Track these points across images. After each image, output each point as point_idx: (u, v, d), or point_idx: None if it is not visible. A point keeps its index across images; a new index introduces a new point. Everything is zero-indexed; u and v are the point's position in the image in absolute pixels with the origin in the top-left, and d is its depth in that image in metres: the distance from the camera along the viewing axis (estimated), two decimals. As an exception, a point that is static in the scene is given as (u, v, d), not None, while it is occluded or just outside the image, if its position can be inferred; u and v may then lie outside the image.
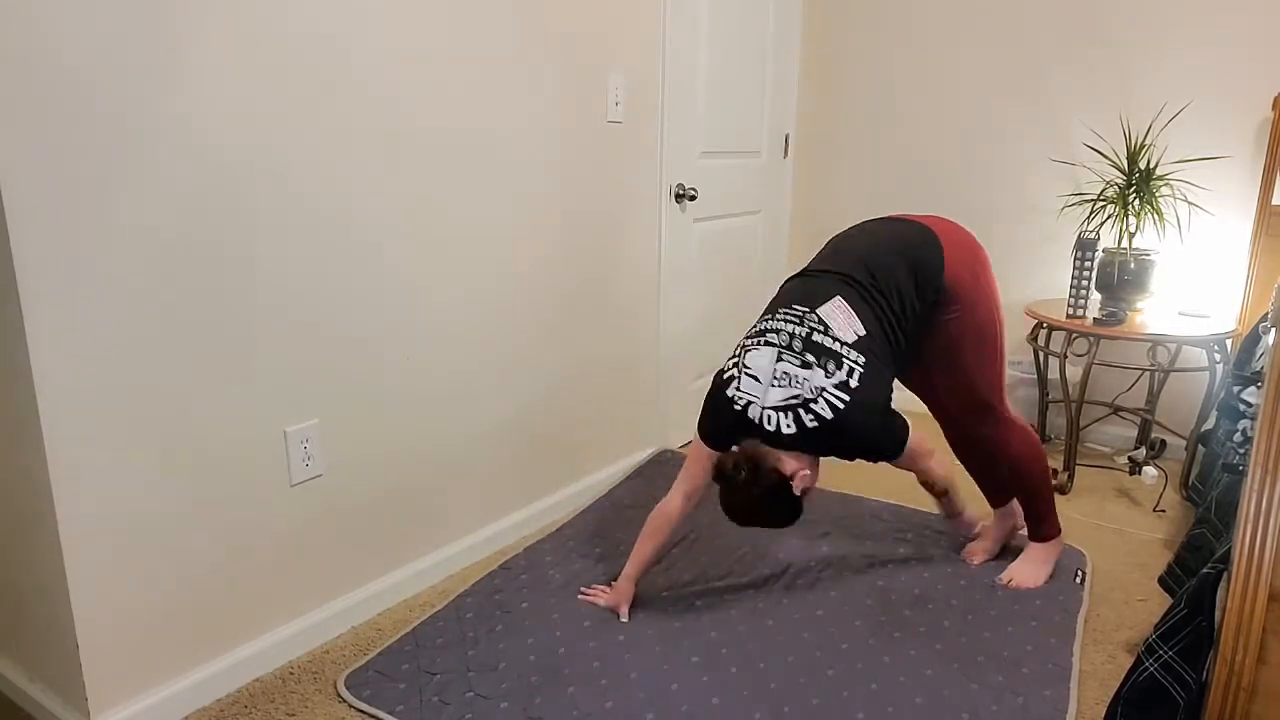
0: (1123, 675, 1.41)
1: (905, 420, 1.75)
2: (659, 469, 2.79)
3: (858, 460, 1.77)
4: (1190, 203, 2.83)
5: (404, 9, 1.79)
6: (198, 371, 1.55)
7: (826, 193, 3.58)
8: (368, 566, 1.95)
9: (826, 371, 1.66)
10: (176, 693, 1.60)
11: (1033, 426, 3.07)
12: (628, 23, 2.44)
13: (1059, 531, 2.11)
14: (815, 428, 1.65)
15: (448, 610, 1.96)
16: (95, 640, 1.48)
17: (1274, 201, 2.69)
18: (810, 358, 1.66)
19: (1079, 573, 2.15)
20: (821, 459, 1.76)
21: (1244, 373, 2.24)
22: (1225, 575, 1.26)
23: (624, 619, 1.90)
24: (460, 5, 1.92)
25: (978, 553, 2.20)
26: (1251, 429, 1.99)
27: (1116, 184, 2.77)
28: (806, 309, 1.73)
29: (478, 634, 1.86)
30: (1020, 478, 2.05)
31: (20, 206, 1.28)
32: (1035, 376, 3.04)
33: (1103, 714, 1.50)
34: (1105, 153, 2.92)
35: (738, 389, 1.71)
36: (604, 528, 2.36)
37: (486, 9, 1.98)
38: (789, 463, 1.69)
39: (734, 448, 1.73)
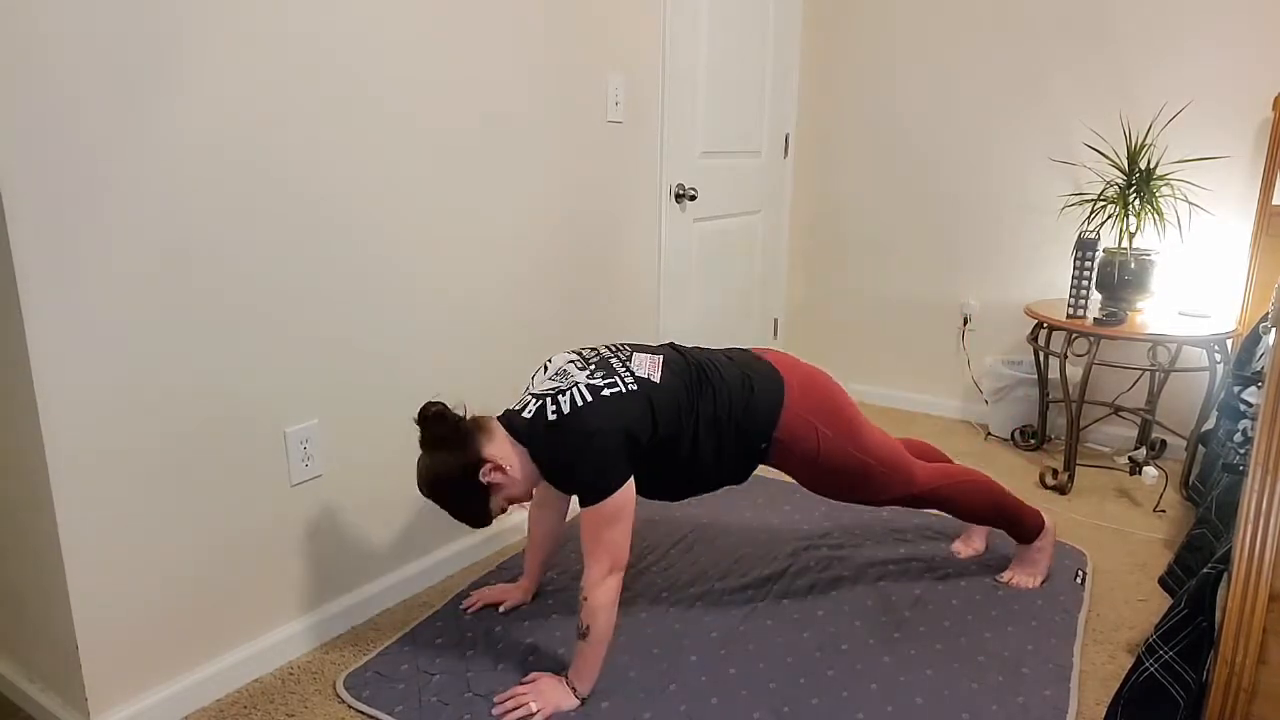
0: (1123, 675, 1.41)
1: (626, 487, 1.56)
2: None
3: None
4: (1190, 203, 2.83)
5: (404, 9, 1.79)
6: (197, 371, 1.55)
7: (826, 193, 3.58)
8: (368, 566, 1.95)
9: (590, 374, 1.63)
10: (176, 693, 1.60)
11: (1028, 430, 3.08)
12: (628, 23, 2.44)
13: (1041, 526, 2.08)
14: (551, 421, 1.57)
15: (446, 610, 1.96)
16: (95, 640, 1.47)
17: (1274, 201, 2.69)
18: (593, 367, 1.66)
19: (1079, 573, 2.15)
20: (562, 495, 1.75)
21: (1244, 373, 2.24)
22: (1225, 575, 1.26)
23: (502, 610, 1.93)
24: (460, 5, 1.92)
25: (963, 550, 2.23)
26: (1252, 429, 1.99)
27: (1117, 184, 2.77)
28: (630, 349, 1.74)
29: (476, 634, 1.86)
30: (970, 513, 2.00)
31: (20, 207, 1.28)
32: (1035, 376, 3.04)
33: (1103, 714, 1.50)
34: (1105, 153, 2.92)
35: (530, 380, 1.71)
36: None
37: (486, 9, 1.98)
38: (494, 449, 1.58)
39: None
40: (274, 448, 1.70)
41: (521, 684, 1.65)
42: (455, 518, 1.65)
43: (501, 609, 1.94)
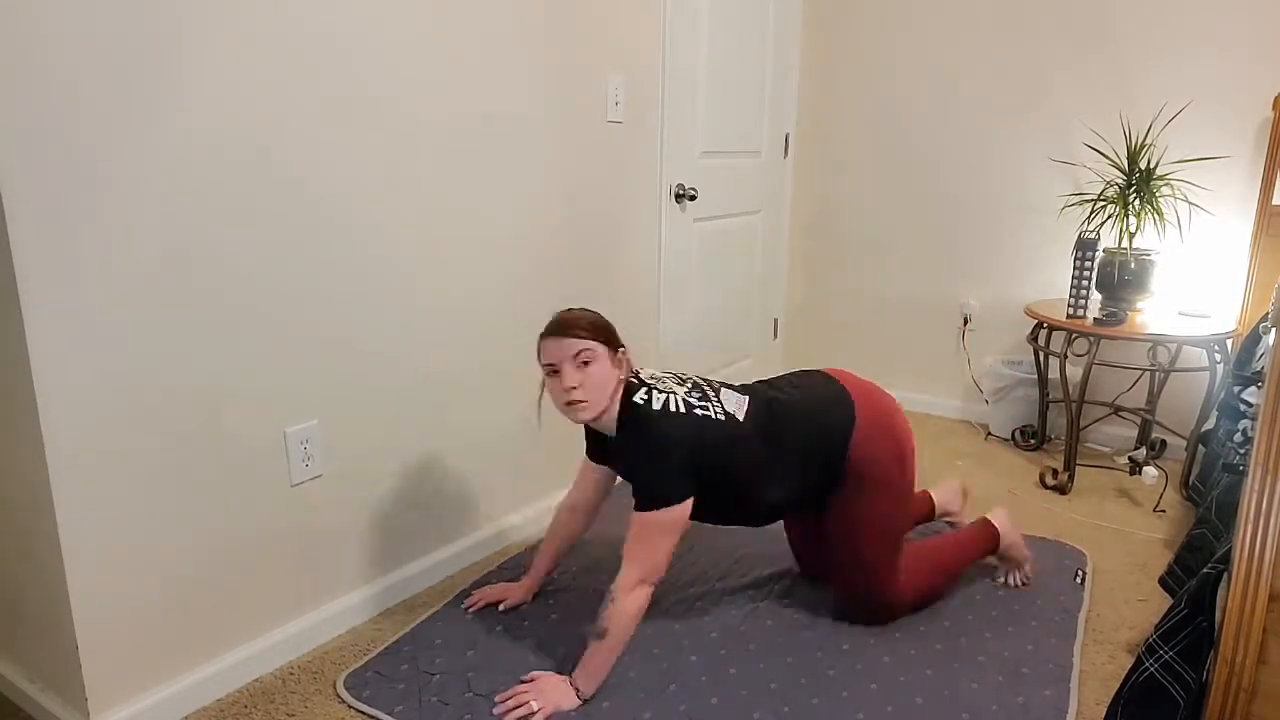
0: (1123, 675, 1.41)
1: (684, 504, 1.60)
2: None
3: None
4: (1190, 203, 2.83)
5: (403, 10, 1.79)
6: (198, 372, 1.55)
7: (826, 193, 3.58)
8: (368, 566, 1.95)
9: (690, 393, 1.69)
10: (176, 693, 1.60)
11: (1028, 430, 3.08)
12: (628, 23, 2.44)
13: (997, 539, 2.03)
14: (645, 407, 1.62)
15: (446, 610, 1.96)
16: (95, 640, 1.47)
17: (1274, 201, 2.69)
18: (690, 388, 1.72)
19: (1079, 573, 2.15)
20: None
21: (1244, 373, 2.24)
22: (1225, 575, 1.26)
23: (502, 609, 1.93)
24: (460, 6, 1.92)
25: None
26: (1252, 429, 1.99)
27: (1117, 184, 2.77)
28: (719, 384, 1.79)
29: (476, 634, 1.86)
30: (953, 581, 2.02)
31: (20, 207, 1.28)
32: (1035, 376, 3.04)
33: (1103, 714, 1.50)
34: (1105, 153, 2.92)
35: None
36: (603, 529, 2.36)
37: (486, 9, 1.98)
38: (616, 369, 1.64)
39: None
40: (274, 448, 1.70)
41: (522, 682, 1.66)
42: (587, 336, 1.63)
43: (501, 607, 1.94)
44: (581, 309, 1.69)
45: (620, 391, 1.66)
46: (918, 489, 2.15)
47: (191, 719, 1.62)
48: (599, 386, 1.62)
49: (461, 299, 2.06)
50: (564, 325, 1.63)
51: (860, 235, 3.54)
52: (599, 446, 1.87)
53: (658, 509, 1.59)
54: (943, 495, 2.26)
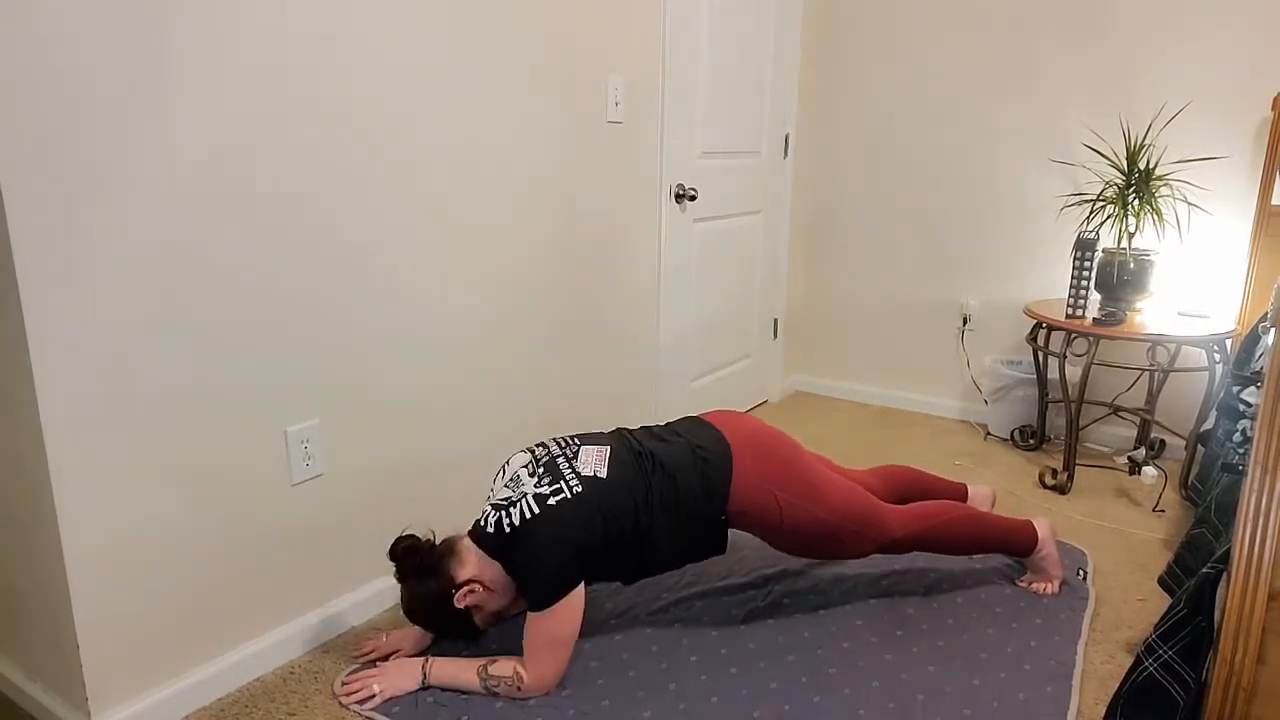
0: (1122, 675, 1.41)
1: (572, 596, 1.60)
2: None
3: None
4: (1190, 203, 2.84)
5: (403, 11, 1.79)
6: (198, 372, 1.55)
7: (826, 193, 3.58)
8: (368, 566, 1.95)
9: (539, 481, 1.67)
10: (176, 693, 1.60)
11: (1027, 430, 3.08)
12: (628, 23, 2.44)
13: (1034, 540, 2.03)
14: (508, 533, 1.63)
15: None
16: (95, 640, 1.48)
17: (1274, 201, 2.69)
18: (541, 470, 1.69)
19: (1081, 571, 2.15)
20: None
21: (1244, 373, 2.24)
22: (1225, 575, 1.26)
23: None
24: (460, 6, 1.92)
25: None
26: (1251, 429, 1.99)
27: (1116, 184, 2.77)
28: (578, 442, 1.76)
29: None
30: (956, 549, 1.96)
31: (21, 208, 1.28)
32: (1035, 376, 3.04)
33: (1102, 714, 1.50)
34: (1105, 153, 2.92)
35: (491, 485, 1.76)
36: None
37: (486, 9, 1.98)
38: (467, 570, 1.66)
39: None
40: (274, 448, 1.70)
41: (371, 668, 1.71)
42: (444, 638, 1.78)
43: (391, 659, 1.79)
44: (404, 597, 1.70)
45: (490, 568, 1.68)
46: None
47: (191, 719, 1.62)
48: (492, 596, 1.69)
49: (462, 299, 2.06)
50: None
51: (860, 235, 3.54)
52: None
53: (546, 607, 1.59)
54: (975, 493, 2.24)
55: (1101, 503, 2.64)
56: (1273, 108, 2.68)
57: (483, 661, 1.65)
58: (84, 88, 1.32)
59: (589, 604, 1.95)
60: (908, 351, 3.53)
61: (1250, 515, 1.16)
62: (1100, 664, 1.81)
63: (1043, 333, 2.89)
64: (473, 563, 1.68)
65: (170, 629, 1.59)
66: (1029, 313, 2.86)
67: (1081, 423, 3.05)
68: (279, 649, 1.77)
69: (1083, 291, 2.67)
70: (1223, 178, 2.81)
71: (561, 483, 1.66)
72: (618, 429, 1.85)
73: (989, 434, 3.24)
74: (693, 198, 2.84)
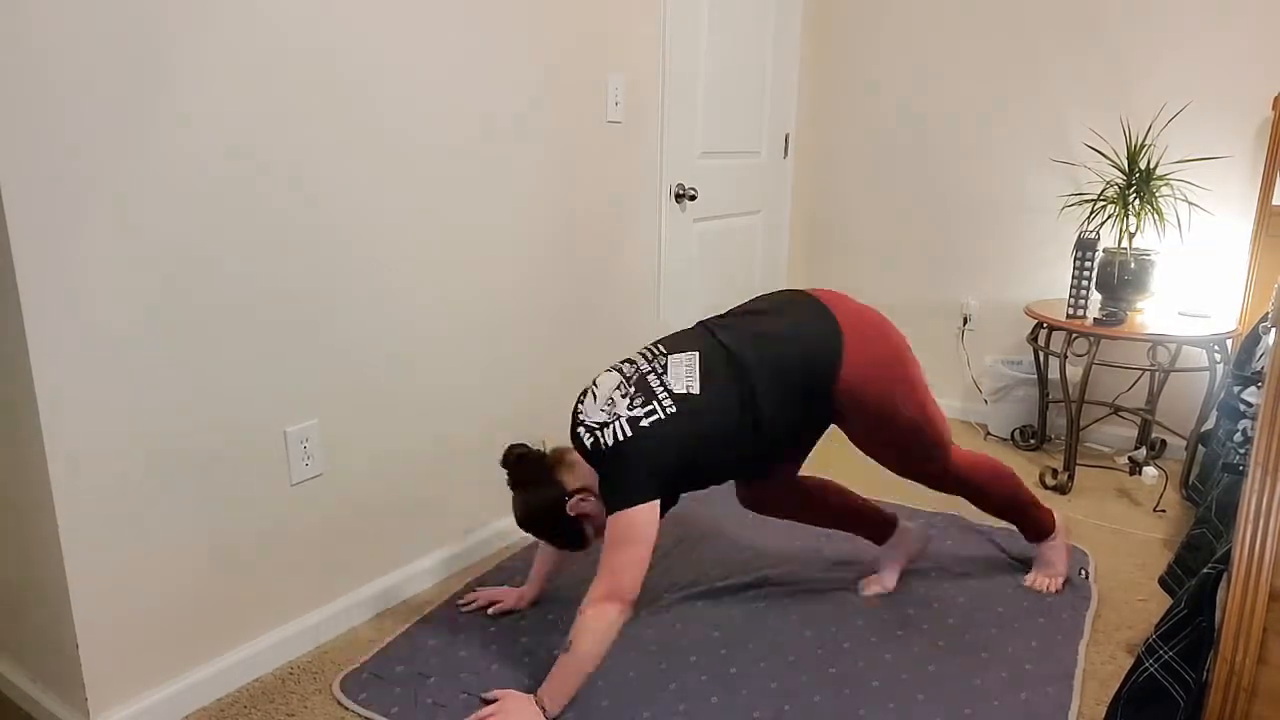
0: (1123, 675, 1.41)
1: (648, 508, 1.57)
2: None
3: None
4: (1190, 203, 2.83)
5: (403, 11, 1.79)
6: (197, 371, 1.55)
7: (826, 193, 3.58)
8: (368, 566, 1.95)
9: (632, 404, 1.63)
10: (176, 693, 1.60)
11: (1028, 430, 3.08)
12: (628, 23, 2.44)
13: (1053, 528, 2.08)
14: (603, 451, 1.62)
15: (442, 612, 1.95)
16: (95, 640, 1.47)
17: (1274, 201, 2.68)
18: (633, 390, 1.66)
19: (1083, 570, 2.15)
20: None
21: (1244, 373, 2.24)
22: (1225, 575, 1.26)
23: (491, 612, 1.94)
24: (460, 6, 1.92)
25: (871, 588, 2.05)
26: (1251, 429, 1.99)
27: (1116, 184, 2.77)
28: (665, 352, 1.72)
29: (471, 636, 1.85)
30: (988, 500, 1.99)
31: (20, 208, 1.28)
32: (1035, 376, 3.04)
33: (1103, 714, 1.50)
34: (1105, 153, 2.92)
35: (580, 403, 1.72)
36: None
37: (486, 9, 1.98)
38: (577, 480, 1.66)
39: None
40: (274, 448, 1.70)
41: (487, 702, 1.62)
42: (556, 546, 1.76)
43: (491, 610, 1.93)
44: (516, 506, 1.71)
45: (589, 486, 1.67)
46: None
47: (191, 719, 1.62)
48: (601, 508, 1.65)
49: (462, 299, 2.06)
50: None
51: (860, 235, 3.54)
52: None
53: (619, 510, 1.57)
54: (905, 528, 2.11)
55: (1102, 503, 2.64)
56: (1273, 108, 2.67)
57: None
58: (84, 88, 1.32)
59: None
60: (908, 351, 3.53)
61: (1251, 515, 1.16)
62: (1101, 664, 1.81)
63: (1043, 332, 2.89)
64: (583, 473, 1.67)
65: (170, 629, 1.58)
66: (1029, 313, 2.86)
67: (1082, 423, 3.05)
68: (279, 649, 1.77)
69: (1083, 291, 2.67)
70: (1223, 178, 2.81)
71: (655, 403, 1.63)
72: (701, 323, 1.80)
73: (989, 434, 3.24)
74: (693, 197, 2.83)
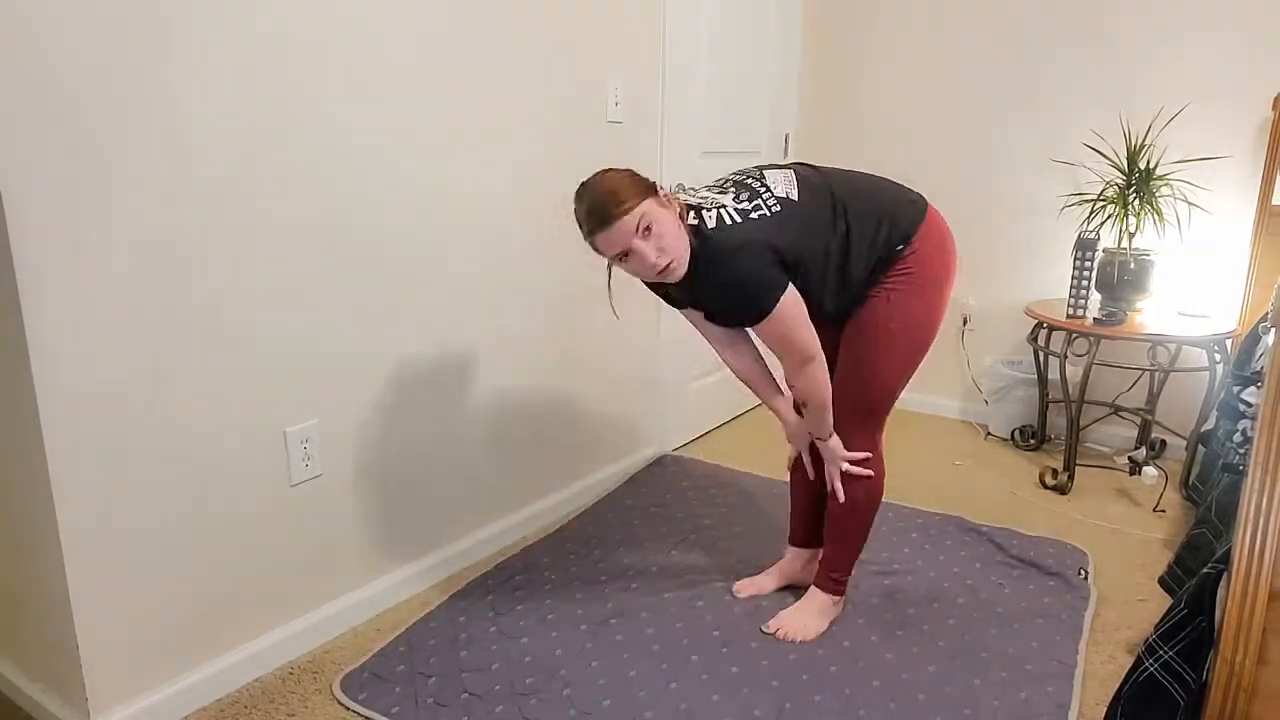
0: (1123, 675, 1.41)
1: (787, 294, 1.58)
2: (659, 472, 2.79)
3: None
4: (1190, 203, 2.83)
5: (404, 11, 1.79)
6: (198, 372, 1.55)
7: (826, 193, 3.57)
8: (368, 566, 1.95)
9: (736, 198, 1.62)
10: (176, 693, 1.60)
11: (1028, 430, 3.08)
12: (627, 23, 2.44)
13: (843, 591, 1.91)
14: (705, 231, 1.58)
15: (440, 611, 1.95)
16: (95, 640, 1.47)
17: (1274, 201, 2.69)
18: (734, 190, 1.65)
19: (1082, 570, 2.15)
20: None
21: (1244, 373, 2.24)
22: (1225, 575, 1.26)
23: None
24: (459, 6, 1.92)
25: (748, 587, 2.02)
26: (1251, 429, 1.99)
27: (1116, 184, 2.77)
28: (760, 171, 1.71)
29: (471, 635, 1.85)
30: (850, 514, 1.82)
31: (20, 208, 1.28)
32: (1035, 376, 3.04)
33: (1103, 714, 1.50)
34: (1105, 153, 2.92)
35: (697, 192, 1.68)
36: (602, 530, 2.36)
37: (487, 9, 1.98)
38: (670, 211, 1.57)
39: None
40: (274, 448, 1.70)
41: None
42: (633, 203, 1.53)
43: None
44: (600, 175, 1.58)
45: (685, 228, 1.59)
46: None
47: (191, 719, 1.62)
48: (674, 240, 1.55)
49: (462, 299, 2.06)
50: (605, 210, 1.52)
51: (860, 235, 3.53)
52: (669, 297, 1.80)
53: (767, 317, 1.59)
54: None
55: (1102, 503, 2.64)
56: (1273, 108, 2.68)
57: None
58: (84, 88, 1.32)
59: (589, 597, 1.95)
60: (908, 351, 3.52)
61: (1251, 516, 1.16)
62: (1101, 664, 1.81)
63: (1043, 333, 2.89)
64: (676, 215, 1.58)
65: (170, 629, 1.58)
66: (1029, 313, 2.86)
67: (1082, 423, 3.05)
68: (279, 649, 1.77)
69: (1083, 291, 2.67)
70: (1223, 178, 2.81)
71: (759, 200, 1.62)
72: (799, 161, 1.80)
73: (989, 434, 3.24)
74: (693, 198, 2.83)
